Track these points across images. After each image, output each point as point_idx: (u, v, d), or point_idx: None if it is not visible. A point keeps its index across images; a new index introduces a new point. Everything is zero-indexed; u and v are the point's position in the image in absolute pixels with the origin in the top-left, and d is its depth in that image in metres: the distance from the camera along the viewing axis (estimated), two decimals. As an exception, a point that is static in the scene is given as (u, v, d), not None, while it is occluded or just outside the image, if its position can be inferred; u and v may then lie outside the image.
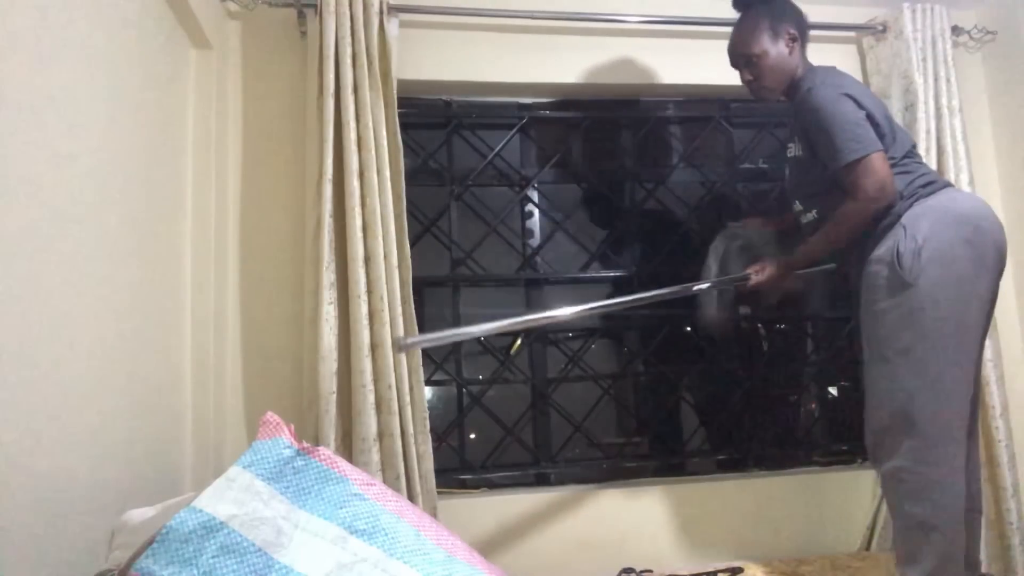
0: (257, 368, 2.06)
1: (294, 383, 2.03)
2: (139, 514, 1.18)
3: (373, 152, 1.95)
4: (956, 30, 2.47)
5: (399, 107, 2.04)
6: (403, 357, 1.92)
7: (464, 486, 2.21)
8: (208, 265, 1.95)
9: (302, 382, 1.99)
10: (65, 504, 1.19)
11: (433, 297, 2.35)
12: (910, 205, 1.65)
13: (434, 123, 2.41)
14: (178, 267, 1.85)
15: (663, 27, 2.37)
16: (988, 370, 2.19)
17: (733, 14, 1.88)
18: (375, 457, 1.86)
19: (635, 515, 2.19)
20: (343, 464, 1.23)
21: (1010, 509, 2.19)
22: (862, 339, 1.71)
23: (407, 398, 1.92)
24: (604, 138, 2.56)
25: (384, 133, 1.99)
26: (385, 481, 1.87)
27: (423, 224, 2.32)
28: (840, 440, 2.51)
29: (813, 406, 2.61)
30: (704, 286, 1.91)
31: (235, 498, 1.07)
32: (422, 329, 2.01)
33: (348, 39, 1.98)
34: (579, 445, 2.38)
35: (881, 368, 1.63)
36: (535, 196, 2.46)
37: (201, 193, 1.95)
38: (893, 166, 1.66)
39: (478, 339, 2.35)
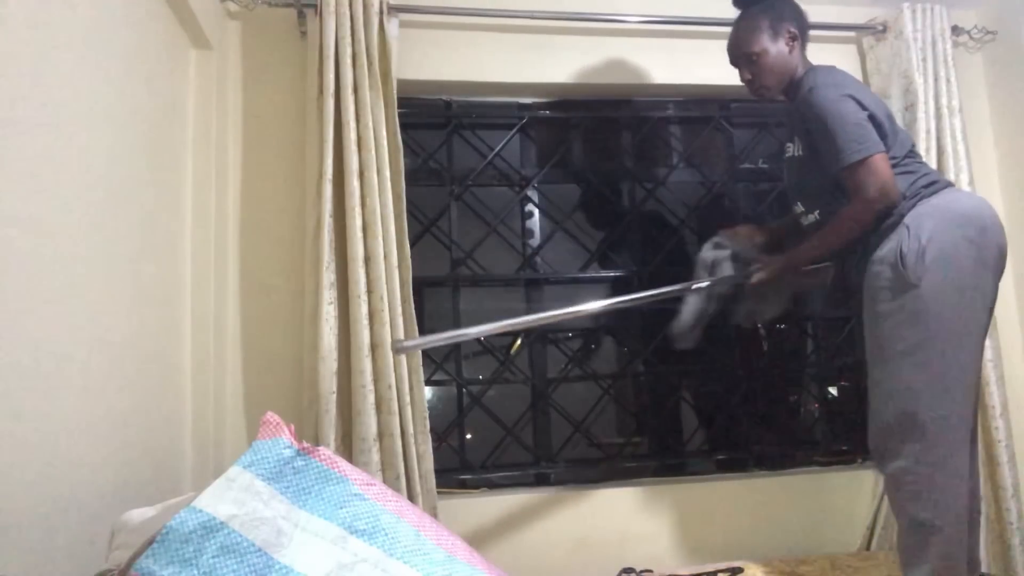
0: (257, 368, 2.06)
1: (294, 383, 2.03)
2: (139, 514, 1.18)
3: (373, 152, 1.95)
4: (956, 30, 2.47)
5: (399, 107, 2.04)
6: (403, 357, 1.92)
7: (464, 486, 2.21)
8: (208, 265, 1.95)
9: (302, 382, 1.99)
10: (65, 504, 1.19)
11: (433, 297, 2.35)
12: (913, 205, 1.64)
13: (434, 123, 2.41)
14: (178, 267, 1.85)
15: (663, 27, 2.37)
16: (988, 370, 2.20)
17: (733, 13, 1.88)
18: (375, 457, 1.86)
19: (635, 515, 2.19)
20: (343, 464, 1.23)
21: (1010, 509, 2.19)
22: (864, 339, 1.70)
23: (407, 398, 1.92)
24: (604, 138, 2.56)
25: (384, 133, 1.99)
26: (385, 481, 1.87)
27: (423, 224, 2.32)
28: (840, 440, 2.50)
29: (816, 406, 2.60)
30: (703, 285, 1.90)
31: (235, 498, 1.07)
32: (422, 329, 2.01)
33: (348, 39, 1.98)
34: (579, 445, 2.38)
35: (884, 369, 1.62)
36: (535, 196, 2.46)
37: (201, 193, 1.95)
38: (895, 166, 1.66)
39: (478, 339, 2.36)
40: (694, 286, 1.90)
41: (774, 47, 1.79)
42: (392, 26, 2.06)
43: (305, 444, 1.22)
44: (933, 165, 2.24)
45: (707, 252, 1.95)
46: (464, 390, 2.31)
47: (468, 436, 2.34)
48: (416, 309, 1.99)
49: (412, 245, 2.03)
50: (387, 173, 1.97)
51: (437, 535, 1.22)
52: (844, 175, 1.64)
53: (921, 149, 2.23)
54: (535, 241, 2.45)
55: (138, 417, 1.53)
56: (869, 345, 1.68)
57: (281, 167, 2.13)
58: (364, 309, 1.90)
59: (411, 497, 1.90)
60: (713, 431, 2.51)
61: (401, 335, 1.93)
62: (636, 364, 2.48)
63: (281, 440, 1.20)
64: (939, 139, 2.31)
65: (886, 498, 2.15)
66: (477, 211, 2.38)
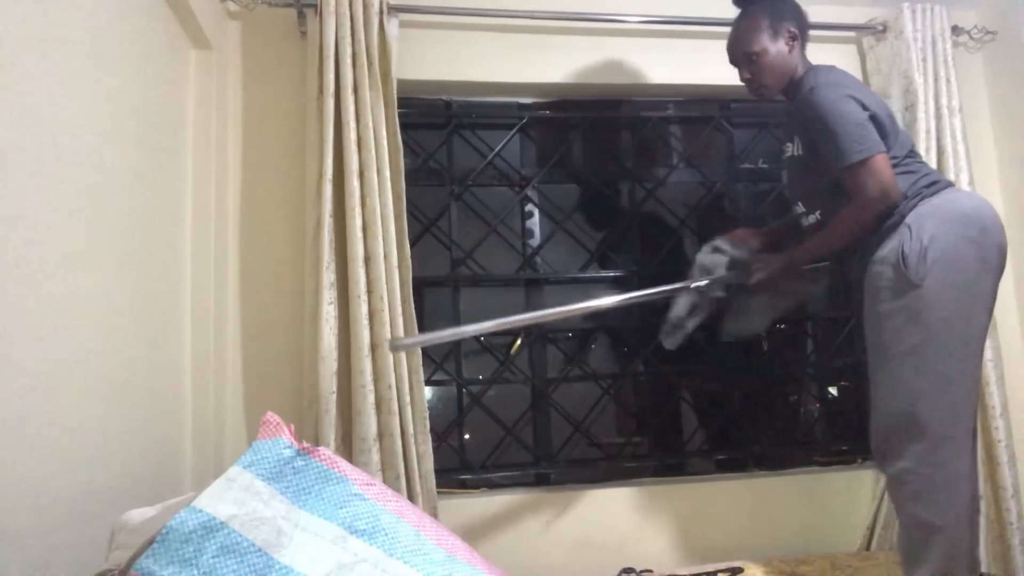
0: (257, 368, 2.06)
1: (294, 383, 2.03)
2: (139, 514, 1.18)
3: (373, 152, 1.95)
4: (956, 30, 2.47)
5: (399, 107, 2.04)
6: (403, 357, 1.92)
7: (464, 486, 2.22)
8: (208, 265, 1.95)
9: (302, 382, 1.99)
10: (65, 504, 1.19)
11: (433, 297, 2.35)
12: (914, 205, 1.64)
13: (434, 123, 2.41)
14: (178, 267, 1.85)
15: (663, 27, 2.37)
16: (988, 370, 2.20)
17: (733, 13, 1.87)
18: (375, 457, 1.86)
19: (635, 515, 2.19)
20: (343, 464, 1.23)
21: (1010, 509, 2.19)
22: (865, 340, 1.70)
23: (407, 398, 1.92)
24: (604, 138, 2.56)
25: (384, 133, 1.99)
26: (385, 481, 1.87)
27: (423, 224, 2.32)
28: (840, 440, 2.51)
29: (816, 406, 2.60)
30: (702, 283, 1.90)
31: (235, 498, 1.07)
32: (422, 329, 2.01)
33: (348, 39, 1.98)
34: (579, 445, 2.38)
35: (886, 369, 1.62)
36: (535, 196, 2.46)
37: (201, 193, 1.95)
38: (896, 165, 1.66)
39: (478, 339, 2.36)
40: (696, 284, 1.90)
41: (774, 46, 1.78)
42: (392, 26, 2.07)
43: (305, 444, 1.23)
44: (933, 165, 2.24)
45: (705, 256, 1.95)
46: (464, 390, 2.31)
47: (466, 436, 2.34)
48: (416, 309, 1.99)
49: (412, 245, 2.04)
50: (387, 173, 1.97)
51: (437, 535, 1.22)
52: (845, 175, 1.64)
53: (921, 149, 2.23)
54: (535, 241, 2.45)
55: (138, 417, 1.53)
56: (870, 345, 1.68)
57: (281, 167, 2.13)
58: (364, 309, 1.90)
59: (411, 497, 1.90)
60: (713, 431, 2.51)
61: (401, 335, 1.93)
62: (636, 364, 2.48)
63: (281, 440, 1.20)
64: (939, 139, 2.31)
65: (886, 498, 2.16)
66: (477, 211, 2.38)
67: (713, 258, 1.93)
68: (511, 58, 2.31)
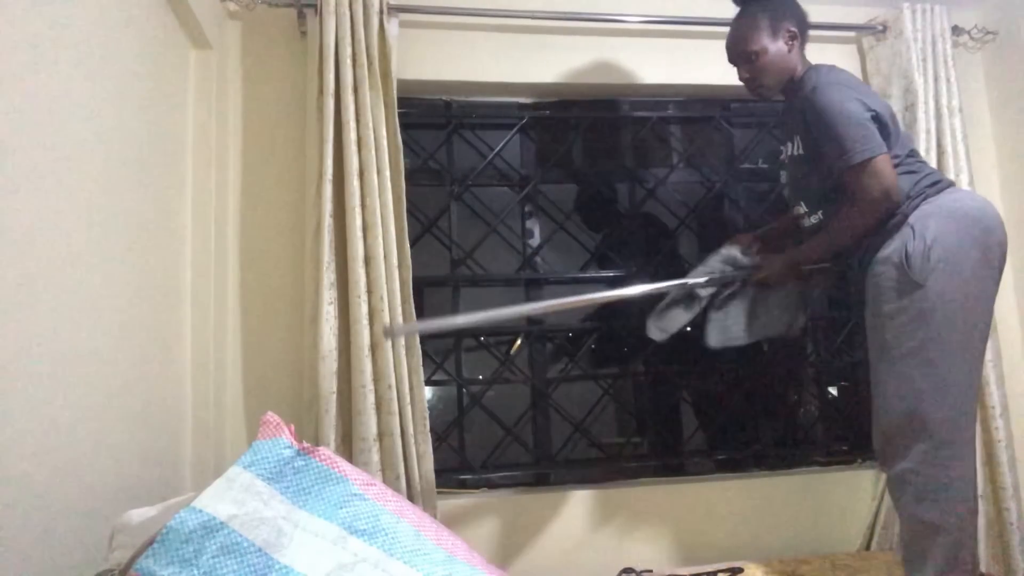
0: (257, 368, 2.06)
1: (294, 383, 2.03)
2: (139, 514, 1.18)
3: (373, 152, 1.95)
4: (956, 30, 2.47)
5: (399, 107, 2.04)
6: (403, 357, 1.92)
7: (464, 486, 2.21)
8: (208, 265, 1.95)
9: (302, 382, 1.99)
10: (65, 504, 1.19)
11: (433, 297, 2.35)
12: (917, 205, 1.64)
13: (434, 123, 2.41)
14: (178, 267, 1.85)
15: (663, 27, 2.37)
16: (988, 370, 2.20)
17: (733, 13, 1.86)
18: (375, 457, 1.86)
19: (635, 515, 2.19)
20: (343, 464, 1.23)
21: (1010, 509, 2.18)
22: (867, 340, 1.70)
23: (407, 398, 1.92)
24: (604, 138, 2.56)
25: (384, 133, 1.99)
26: (385, 481, 1.87)
27: (423, 224, 2.32)
28: (840, 440, 2.50)
29: (816, 406, 2.60)
30: (702, 281, 1.89)
31: (235, 498, 1.07)
32: (422, 329, 2.01)
33: (348, 39, 1.98)
34: (579, 445, 2.38)
35: (889, 370, 1.62)
36: (535, 196, 2.46)
37: (201, 193, 1.95)
38: (898, 165, 1.65)
39: (478, 338, 2.36)
40: (697, 280, 1.89)
41: (773, 46, 1.77)
42: (392, 26, 2.07)
43: (305, 444, 1.23)
44: (933, 165, 2.24)
45: (711, 263, 1.94)
46: (464, 390, 2.31)
47: (458, 436, 2.34)
48: (416, 309, 1.99)
49: (412, 245, 2.03)
50: (387, 173, 1.97)
51: (437, 535, 1.22)
52: (847, 176, 1.63)
53: (921, 149, 2.23)
54: (535, 241, 2.45)
55: (138, 417, 1.53)
56: (873, 345, 1.68)
57: (281, 167, 2.13)
58: (364, 309, 1.90)
59: (411, 497, 1.90)
60: (713, 431, 2.51)
61: (397, 322, 1.92)
62: (636, 364, 2.48)
63: (281, 440, 1.20)
64: (939, 139, 2.31)
65: (886, 498, 2.16)
66: (477, 211, 2.38)
67: (719, 264, 1.93)
68: (511, 58, 2.31)
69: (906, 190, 1.65)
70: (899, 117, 2.28)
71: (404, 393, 1.91)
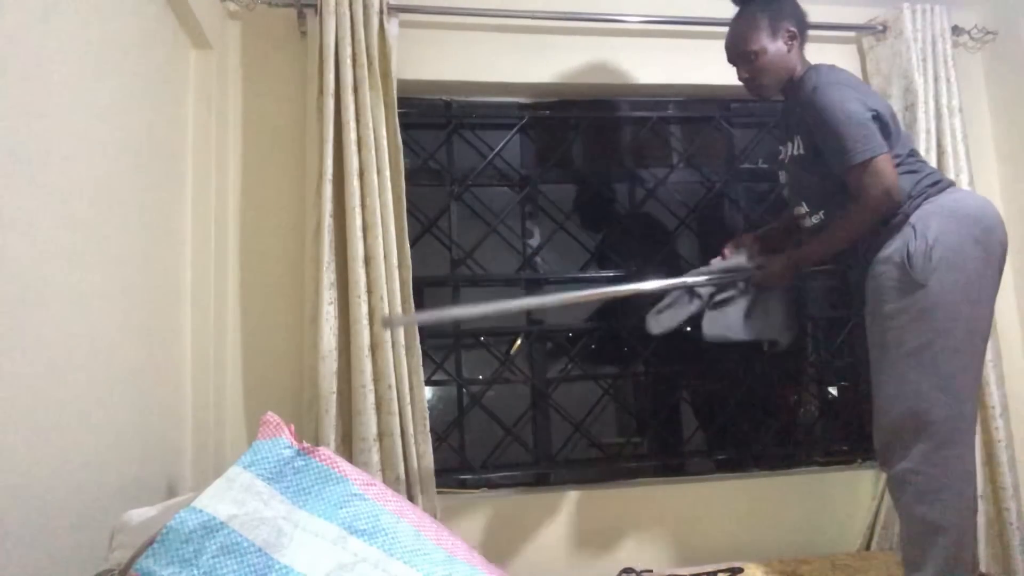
0: (257, 368, 2.06)
1: (294, 383, 2.03)
2: (139, 514, 1.18)
3: (373, 152, 1.95)
4: (956, 30, 2.47)
5: (399, 107, 2.04)
6: (403, 357, 1.92)
7: (464, 486, 2.21)
8: (208, 265, 1.94)
9: (302, 382, 1.99)
10: (65, 504, 1.19)
11: (433, 297, 2.35)
12: (918, 204, 1.63)
13: (434, 123, 2.41)
14: (178, 267, 1.85)
15: (663, 27, 2.37)
16: (988, 370, 2.19)
17: (733, 13, 1.86)
18: (375, 457, 1.86)
19: (635, 515, 2.19)
20: (343, 464, 1.23)
21: (1010, 509, 2.18)
22: (868, 340, 1.70)
23: (407, 398, 1.92)
24: (604, 138, 2.56)
25: (384, 133, 1.99)
26: (385, 481, 1.87)
27: (423, 224, 2.32)
28: (840, 440, 2.51)
29: (816, 406, 2.60)
30: (702, 279, 1.89)
31: (235, 498, 1.07)
32: (421, 329, 2.01)
33: (348, 39, 1.98)
34: (579, 445, 2.38)
35: (891, 370, 1.62)
36: (535, 196, 2.46)
37: (201, 193, 1.95)
38: (899, 164, 1.65)
39: (478, 338, 2.36)
40: (698, 279, 1.89)
41: (773, 46, 1.76)
42: (392, 26, 2.07)
43: (305, 444, 1.23)
44: (933, 165, 2.24)
45: (713, 266, 1.94)
46: (464, 390, 2.31)
47: (458, 436, 2.34)
48: (416, 309, 1.99)
49: (412, 245, 2.03)
50: (387, 173, 1.97)
51: (437, 535, 1.22)
52: (848, 176, 1.63)
53: (921, 149, 2.23)
54: (535, 241, 2.45)
55: (138, 417, 1.53)
56: (873, 345, 1.67)
57: (281, 167, 2.13)
58: (364, 309, 1.90)
59: (411, 497, 1.90)
60: (713, 431, 2.51)
61: (401, 334, 1.93)
62: (636, 364, 2.48)
63: (281, 440, 1.20)
64: (939, 139, 2.31)
65: (886, 498, 2.16)
66: (477, 211, 2.38)
67: (722, 266, 1.93)
68: (511, 58, 2.31)
69: (907, 190, 1.65)
70: (899, 117, 2.28)
71: (404, 393, 1.91)
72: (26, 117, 1.13)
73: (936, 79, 2.34)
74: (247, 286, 2.08)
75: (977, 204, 1.65)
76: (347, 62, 1.96)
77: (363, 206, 1.94)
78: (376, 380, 1.90)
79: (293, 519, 1.09)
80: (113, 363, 1.41)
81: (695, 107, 2.55)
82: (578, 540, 2.14)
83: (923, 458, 1.56)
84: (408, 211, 2.02)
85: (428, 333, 2.25)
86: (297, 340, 2.03)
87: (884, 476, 2.12)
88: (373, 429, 1.87)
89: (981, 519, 2.11)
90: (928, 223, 1.60)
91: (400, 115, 2.04)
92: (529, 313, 2.38)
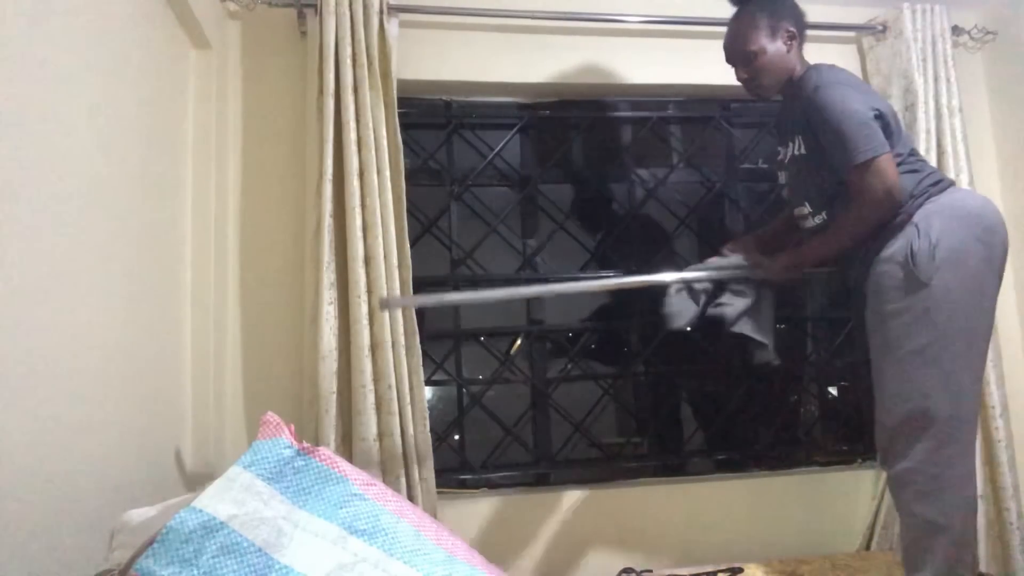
0: (257, 368, 2.06)
1: (294, 383, 2.03)
2: (139, 514, 1.18)
3: (373, 152, 1.95)
4: (956, 30, 2.47)
5: (399, 107, 2.04)
6: (403, 357, 1.92)
7: (464, 486, 2.21)
8: (208, 265, 1.95)
9: (302, 382, 1.99)
10: (65, 504, 1.19)
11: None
12: (921, 203, 1.63)
13: (434, 123, 2.41)
14: (178, 267, 1.85)
15: (663, 27, 2.37)
16: (988, 370, 2.19)
17: (732, 13, 1.86)
18: (375, 457, 1.86)
19: (635, 515, 2.19)
20: (343, 464, 1.23)
21: (1010, 509, 2.19)
22: (869, 339, 1.69)
23: (407, 398, 1.92)
24: (604, 138, 2.56)
25: (384, 133, 1.99)
26: (385, 481, 1.87)
27: (423, 224, 2.32)
28: (840, 440, 2.50)
29: (815, 406, 2.60)
30: (702, 275, 1.89)
31: (235, 498, 1.07)
32: (421, 329, 2.01)
33: (348, 39, 1.98)
34: (579, 445, 2.38)
35: (893, 369, 1.61)
36: (535, 196, 2.46)
37: (201, 193, 1.95)
38: (900, 163, 1.65)
39: (478, 339, 2.36)
40: (691, 276, 1.88)
41: (772, 46, 1.76)
42: (392, 26, 2.07)
43: (305, 444, 1.23)
44: (933, 165, 2.24)
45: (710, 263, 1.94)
46: (464, 390, 2.31)
47: (458, 436, 2.34)
48: (416, 309, 1.99)
49: (412, 245, 2.03)
50: (387, 173, 1.97)
51: (437, 535, 1.22)
52: (851, 175, 1.63)
53: (921, 149, 2.23)
54: (535, 241, 2.45)
55: (138, 417, 1.53)
56: (875, 345, 1.67)
57: (281, 167, 2.13)
58: (364, 309, 1.90)
59: (411, 497, 1.90)
60: (713, 431, 2.51)
61: (401, 334, 1.93)
62: (636, 364, 2.48)
63: (281, 440, 1.20)
64: (939, 139, 2.31)
65: (886, 498, 2.16)
66: (477, 211, 2.38)
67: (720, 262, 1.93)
68: (511, 58, 2.31)
69: (909, 189, 1.64)
70: (899, 117, 2.29)
71: (404, 393, 1.91)
72: (26, 117, 1.13)
73: (936, 79, 2.34)
74: (247, 286, 2.08)
75: (979, 204, 1.65)
76: (347, 62, 1.96)
77: (363, 206, 1.94)
78: (376, 380, 1.90)
79: (293, 519, 1.09)
80: (113, 363, 1.41)
81: (695, 107, 2.55)
82: (578, 540, 2.14)
83: (924, 457, 1.56)
84: (408, 211, 2.02)
85: (428, 333, 2.26)
86: (297, 340, 2.03)
87: (884, 476, 2.13)
88: (373, 429, 1.87)
89: (981, 519, 2.11)
90: (931, 222, 1.59)
91: (400, 115, 2.04)
92: (529, 313, 2.38)
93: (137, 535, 1.10)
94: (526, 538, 2.12)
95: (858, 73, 2.46)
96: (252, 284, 2.08)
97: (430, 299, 1.89)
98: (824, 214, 1.77)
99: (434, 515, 1.92)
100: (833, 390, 2.62)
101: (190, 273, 1.91)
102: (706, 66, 2.34)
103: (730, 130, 2.58)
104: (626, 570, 1.99)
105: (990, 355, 2.19)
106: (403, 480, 1.88)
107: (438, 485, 1.98)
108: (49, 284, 1.18)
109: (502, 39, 2.29)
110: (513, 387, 2.38)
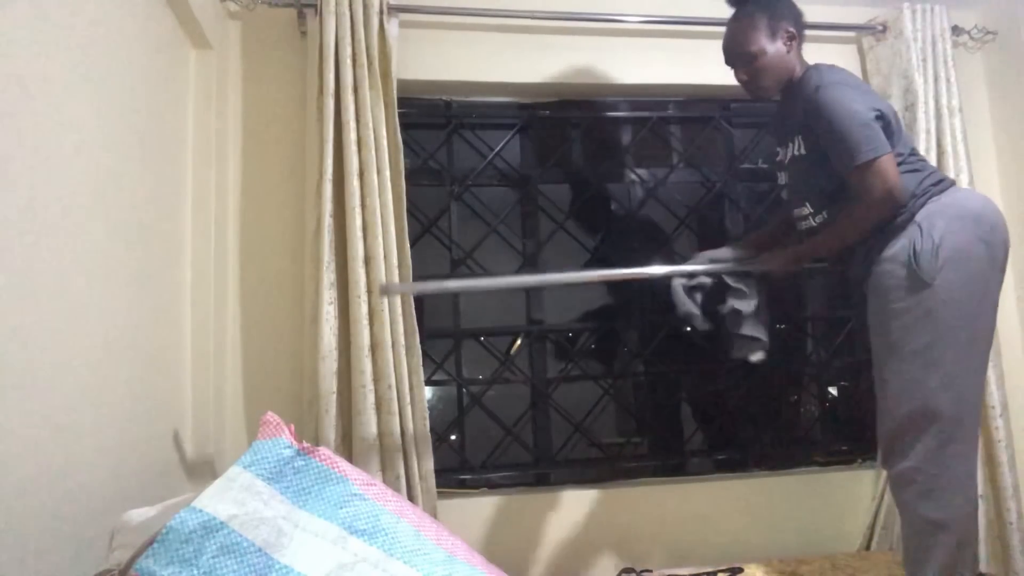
0: (257, 368, 2.06)
1: (294, 383, 2.04)
2: (139, 514, 1.18)
3: (373, 152, 1.95)
4: (956, 30, 2.47)
5: (399, 107, 2.04)
6: (403, 357, 1.92)
7: (464, 486, 2.21)
8: (208, 265, 1.95)
9: (302, 382, 1.99)
10: (65, 504, 1.19)
11: (433, 297, 2.35)
12: (923, 203, 1.63)
13: (434, 123, 2.41)
14: (178, 267, 1.85)
15: (662, 27, 2.37)
16: (988, 370, 2.19)
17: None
18: (375, 457, 1.86)
19: (635, 515, 2.19)
20: (343, 464, 1.23)
21: (1010, 509, 2.19)
22: (871, 339, 1.69)
23: (407, 398, 1.92)
24: (604, 138, 2.56)
25: (384, 133, 1.99)
26: (385, 481, 1.87)
27: (423, 224, 2.32)
28: (840, 440, 2.50)
29: (815, 406, 2.60)
30: (700, 269, 1.88)
31: (235, 498, 1.07)
32: (422, 329, 2.01)
33: (348, 39, 1.98)
34: (579, 445, 2.38)
35: (895, 369, 1.61)
36: (535, 196, 2.46)
37: (201, 193, 1.95)
38: (901, 163, 1.65)
39: (478, 338, 2.36)
40: (700, 267, 1.88)
41: (772, 47, 1.75)
42: (392, 26, 2.06)
43: (305, 444, 1.23)
44: (933, 165, 2.24)
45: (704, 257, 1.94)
46: (464, 390, 2.31)
47: (457, 436, 2.34)
48: (416, 309, 1.99)
49: (412, 245, 2.03)
50: (387, 173, 1.97)
51: (437, 535, 1.22)
52: (852, 175, 1.63)
53: (921, 149, 2.23)
54: (535, 241, 2.45)
55: (138, 417, 1.53)
56: (877, 345, 1.67)
57: (281, 167, 2.13)
58: (364, 309, 1.90)
59: (411, 497, 1.90)
60: (713, 431, 2.51)
61: (401, 334, 1.93)
62: (636, 364, 2.48)
63: (281, 440, 1.20)
64: (939, 139, 2.31)
65: (886, 498, 2.16)
66: (477, 211, 2.38)
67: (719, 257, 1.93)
68: (511, 58, 2.31)
69: (911, 188, 1.64)
70: (899, 117, 2.28)
71: (404, 393, 1.91)
72: (26, 117, 1.13)
73: (936, 79, 2.34)
74: (247, 286, 2.08)
75: (981, 203, 1.65)
76: (347, 62, 1.96)
77: (363, 206, 1.94)
78: (376, 380, 1.90)
79: (293, 519, 1.09)
80: (113, 363, 1.41)
81: (695, 107, 2.55)
82: (578, 540, 2.14)
83: (926, 456, 1.56)
84: (408, 211, 2.02)
85: (428, 333, 2.26)
86: (297, 340, 2.03)
87: (884, 476, 2.13)
88: (373, 429, 1.87)
89: (981, 519, 2.11)
90: (934, 222, 1.59)
91: (400, 115, 2.04)
92: (529, 313, 2.38)
93: (137, 535, 1.10)
94: (526, 538, 2.12)
95: (858, 73, 2.46)
96: (252, 284, 2.08)
97: (430, 286, 1.89)
98: (824, 214, 1.77)
99: (434, 515, 1.92)
100: (833, 390, 2.62)
101: (190, 273, 1.91)
102: (706, 66, 2.33)
103: (730, 130, 2.58)
104: (626, 570, 1.99)
105: (990, 355, 2.19)
106: (403, 480, 1.88)
107: (438, 485, 1.98)
108: (49, 284, 1.18)
109: (502, 39, 2.30)
110: (513, 387, 2.38)
